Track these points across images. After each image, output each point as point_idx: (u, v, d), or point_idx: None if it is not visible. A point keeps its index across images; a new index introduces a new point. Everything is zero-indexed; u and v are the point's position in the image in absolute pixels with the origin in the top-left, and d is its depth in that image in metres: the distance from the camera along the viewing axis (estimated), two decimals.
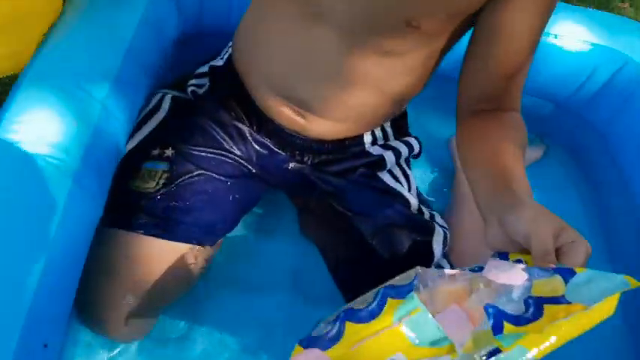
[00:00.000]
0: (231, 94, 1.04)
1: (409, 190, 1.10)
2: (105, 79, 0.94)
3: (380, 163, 1.08)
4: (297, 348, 0.64)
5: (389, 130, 1.11)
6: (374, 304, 0.65)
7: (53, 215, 0.78)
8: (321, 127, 0.99)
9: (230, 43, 1.08)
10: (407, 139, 1.13)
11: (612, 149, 1.34)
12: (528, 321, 0.58)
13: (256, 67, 0.98)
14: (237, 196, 1.04)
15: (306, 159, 1.06)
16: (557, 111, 1.40)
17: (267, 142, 1.05)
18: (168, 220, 0.96)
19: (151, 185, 0.98)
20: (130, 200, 0.96)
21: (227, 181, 1.03)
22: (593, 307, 0.56)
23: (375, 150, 1.08)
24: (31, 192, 0.79)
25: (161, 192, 0.97)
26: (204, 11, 1.28)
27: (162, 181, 0.98)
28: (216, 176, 1.02)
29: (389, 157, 1.08)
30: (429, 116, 1.34)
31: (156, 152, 1.00)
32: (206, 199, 1.00)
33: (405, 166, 1.13)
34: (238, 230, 1.11)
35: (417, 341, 0.61)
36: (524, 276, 0.62)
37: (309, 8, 0.86)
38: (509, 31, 0.82)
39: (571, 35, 1.28)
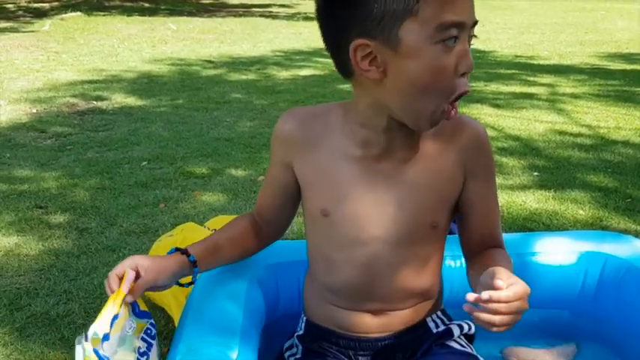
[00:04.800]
0: (320, 345, 1.32)
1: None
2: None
3: (449, 332, 1.32)
4: None
5: (445, 318, 1.35)
6: None
7: None
8: (393, 319, 1.28)
9: (302, 316, 1.39)
10: (462, 321, 1.36)
11: (624, 338, 1.52)
12: None
13: (326, 306, 1.31)
14: None
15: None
16: (572, 316, 1.62)
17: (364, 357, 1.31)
18: None
19: None
20: None
21: None
22: None
23: (441, 328, 1.33)
24: None
25: None
26: (280, 299, 1.54)
27: None
28: None
29: (455, 329, 1.33)
30: None
31: None
32: None
33: (465, 339, 1.36)
34: None
35: None
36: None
37: (362, 234, 1.21)
38: (473, 197, 1.24)
39: (558, 250, 1.59)
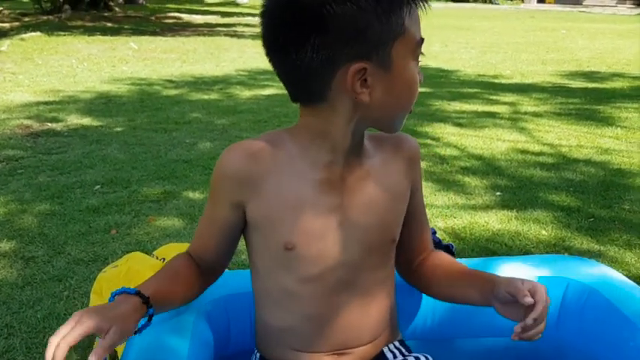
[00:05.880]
0: None
1: None
2: None
3: None
4: None
5: (403, 348, 1.31)
6: None
7: None
8: (352, 357, 1.23)
9: (255, 352, 1.31)
10: (421, 354, 1.30)
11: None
12: None
13: (284, 349, 1.24)
14: None
15: None
16: (534, 343, 1.51)
17: None
18: None
19: None
20: None
21: None
22: None
23: (399, 359, 1.28)
24: None
25: None
26: (231, 334, 1.45)
27: None
28: None
29: None
30: None
31: None
32: None
33: None
34: None
35: None
36: None
37: (311, 271, 1.17)
38: (414, 208, 1.28)
39: (519, 275, 1.48)
